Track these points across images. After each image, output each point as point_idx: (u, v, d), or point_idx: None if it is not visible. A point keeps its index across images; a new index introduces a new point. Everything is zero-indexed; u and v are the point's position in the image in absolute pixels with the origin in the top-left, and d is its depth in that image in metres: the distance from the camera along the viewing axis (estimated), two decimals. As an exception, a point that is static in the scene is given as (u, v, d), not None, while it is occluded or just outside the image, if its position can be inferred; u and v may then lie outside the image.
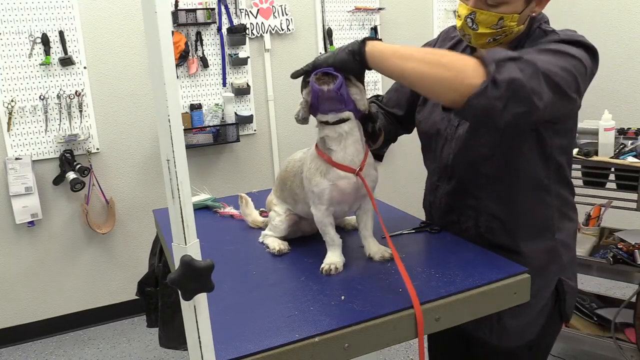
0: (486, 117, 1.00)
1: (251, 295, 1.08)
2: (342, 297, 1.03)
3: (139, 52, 3.01)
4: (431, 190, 1.42)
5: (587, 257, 2.28)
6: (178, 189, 0.68)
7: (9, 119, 2.76)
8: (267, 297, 1.07)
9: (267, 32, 3.25)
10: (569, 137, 1.27)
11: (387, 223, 1.37)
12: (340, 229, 1.39)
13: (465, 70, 0.98)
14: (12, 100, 2.75)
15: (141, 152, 3.11)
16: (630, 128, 2.27)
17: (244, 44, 3.19)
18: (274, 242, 1.32)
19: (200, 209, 1.74)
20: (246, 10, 3.18)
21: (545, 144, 1.21)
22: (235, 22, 3.15)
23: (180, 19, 2.98)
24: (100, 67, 2.93)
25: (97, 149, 2.98)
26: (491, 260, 1.16)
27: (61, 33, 2.79)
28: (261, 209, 1.58)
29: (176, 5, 2.99)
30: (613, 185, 2.22)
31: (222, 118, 3.15)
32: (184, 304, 0.72)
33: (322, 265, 1.16)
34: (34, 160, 2.82)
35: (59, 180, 2.88)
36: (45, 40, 2.75)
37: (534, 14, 1.19)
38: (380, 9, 3.50)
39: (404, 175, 3.64)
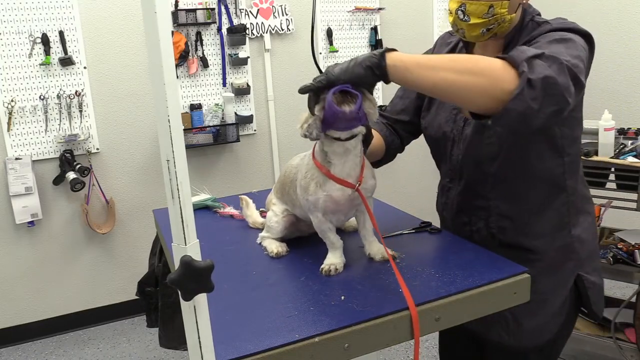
0: (522, 121, 0.94)
1: (251, 295, 1.08)
2: (342, 297, 1.03)
3: (139, 52, 3.01)
4: (443, 192, 1.42)
5: (587, 257, 2.28)
6: (178, 189, 0.68)
7: (9, 119, 2.76)
8: (267, 297, 1.07)
9: (267, 32, 3.25)
10: (578, 127, 1.24)
11: (387, 223, 1.38)
12: (341, 231, 1.39)
13: (497, 74, 0.94)
14: (12, 100, 2.75)
15: (141, 152, 3.11)
16: (630, 128, 2.27)
17: (244, 44, 3.19)
18: (271, 244, 1.31)
19: (200, 209, 1.74)
20: (246, 10, 3.18)
21: (554, 136, 1.19)
22: (235, 22, 3.15)
23: (180, 19, 2.98)
24: (100, 67, 2.93)
25: (97, 149, 2.98)
26: (491, 260, 1.16)
27: (61, 33, 2.79)
28: (261, 209, 1.58)
29: (176, 5, 2.99)
30: (613, 185, 2.22)
31: (222, 118, 3.15)
32: (184, 304, 0.72)
33: (322, 266, 1.16)
34: (34, 160, 2.82)
35: (59, 180, 2.88)
36: (45, 40, 2.75)
37: (524, 1, 1.19)
38: (380, 9, 3.50)
39: (404, 176, 3.64)
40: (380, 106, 1.49)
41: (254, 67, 3.28)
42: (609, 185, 2.24)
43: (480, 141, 1.23)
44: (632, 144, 2.17)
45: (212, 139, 3.13)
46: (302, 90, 1.03)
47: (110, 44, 2.95)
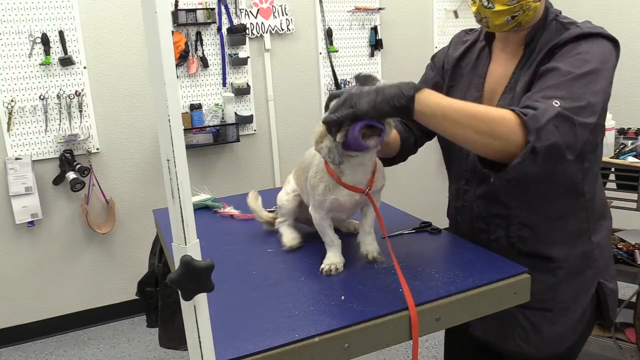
0: (522, 176, 1.01)
1: (251, 295, 1.08)
2: (342, 297, 1.03)
3: (139, 52, 3.01)
4: (458, 196, 1.37)
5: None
6: (178, 189, 0.68)
7: (9, 119, 2.76)
8: (267, 297, 1.07)
9: (267, 32, 3.25)
10: (600, 133, 1.22)
11: (387, 223, 1.37)
12: (340, 232, 1.39)
13: (511, 139, 0.98)
14: (12, 100, 2.75)
15: (141, 152, 3.11)
16: (630, 128, 2.27)
17: (244, 44, 3.19)
18: (287, 235, 1.33)
19: (200, 209, 1.74)
20: (246, 10, 3.18)
21: None
22: (235, 22, 3.16)
23: (180, 19, 2.98)
24: (100, 67, 2.93)
25: (97, 149, 2.98)
26: (491, 260, 1.16)
27: (61, 33, 2.79)
28: (269, 209, 1.60)
29: (176, 5, 2.99)
30: (613, 185, 2.22)
31: (222, 118, 3.15)
32: (184, 304, 0.72)
33: (322, 266, 1.16)
34: (34, 160, 2.82)
35: (59, 180, 2.88)
36: (45, 40, 2.75)
37: None
38: (380, 9, 3.50)
39: (404, 176, 3.64)
40: None
41: (254, 67, 3.28)
42: (609, 185, 2.25)
43: None
44: (632, 144, 2.17)
45: (212, 139, 3.13)
46: (328, 123, 1.02)
47: (110, 44, 2.95)
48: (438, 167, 3.50)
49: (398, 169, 1.54)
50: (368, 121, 1.00)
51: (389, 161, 1.42)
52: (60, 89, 2.84)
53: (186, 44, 3.02)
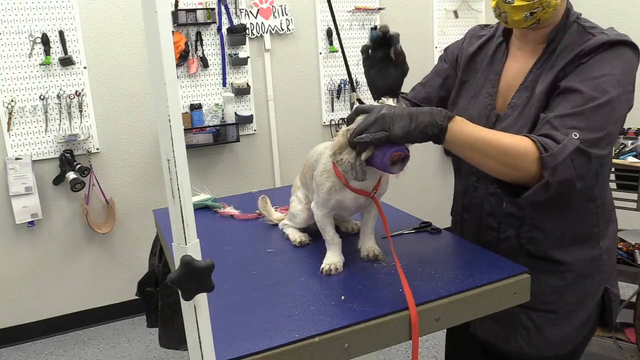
0: (533, 202, 1.09)
1: (251, 295, 1.08)
2: (342, 297, 1.03)
3: (139, 52, 3.01)
4: (467, 193, 1.35)
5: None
6: (178, 189, 0.68)
7: (9, 119, 2.76)
8: (267, 297, 1.07)
9: (267, 32, 3.25)
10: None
11: (389, 223, 1.37)
12: (341, 232, 1.39)
13: (530, 172, 1.02)
14: (12, 100, 2.75)
15: (141, 152, 3.11)
16: (630, 128, 2.27)
17: (244, 44, 3.19)
18: (294, 234, 1.35)
19: (200, 209, 1.74)
20: (246, 10, 3.18)
21: None
22: (235, 22, 3.16)
23: (180, 19, 2.98)
24: (100, 67, 2.93)
25: (97, 149, 2.98)
26: (491, 260, 1.16)
27: (61, 33, 2.79)
28: (275, 206, 1.61)
29: (176, 5, 2.99)
30: (613, 185, 2.22)
31: (222, 118, 3.15)
32: (184, 304, 0.72)
33: (322, 266, 1.16)
34: (34, 160, 2.82)
35: (59, 180, 2.88)
36: (45, 40, 2.75)
37: None
38: (380, 9, 3.50)
39: (404, 176, 3.62)
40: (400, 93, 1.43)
41: (254, 67, 3.28)
42: (609, 185, 2.24)
43: None
44: (632, 144, 2.17)
45: (212, 139, 3.13)
46: (360, 144, 1.00)
47: (110, 44, 2.95)
48: (438, 167, 3.50)
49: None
50: (397, 147, 1.00)
51: None
52: (60, 89, 2.84)
53: (186, 44, 3.02)
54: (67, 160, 2.86)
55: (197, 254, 0.71)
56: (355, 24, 3.49)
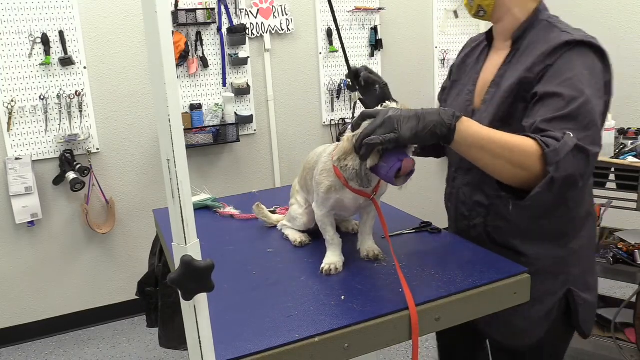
0: (538, 205, 1.07)
1: (251, 295, 1.08)
2: (342, 297, 1.03)
3: (139, 52, 3.01)
4: (449, 182, 1.43)
5: (587, 257, 2.28)
6: (178, 189, 0.68)
7: (9, 119, 2.76)
8: (267, 297, 1.07)
9: (267, 32, 3.25)
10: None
11: (387, 223, 1.37)
12: (341, 232, 1.39)
13: (535, 171, 1.02)
14: (12, 100, 2.75)
15: (141, 152, 3.11)
16: (630, 128, 2.27)
17: (244, 44, 3.19)
18: (294, 234, 1.36)
19: (200, 209, 1.74)
20: (246, 10, 3.18)
21: None
22: (235, 22, 3.15)
23: (180, 19, 2.98)
24: (100, 67, 2.93)
25: (97, 149, 2.98)
26: (491, 260, 1.16)
27: (61, 33, 2.79)
28: (274, 207, 1.61)
29: (176, 5, 2.99)
30: (613, 185, 2.22)
31: (222, 118, 3.15)
32: (184, 304, 0.72)
33: (322, 266, 1.17)
34: (34, 160, 2.82)
35: (59, 180, 2.88)
36: (45, 40, 2.75)
37: None
38: (380, 9, 3.50)
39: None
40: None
41: (254, 67, 3.28)
42: (609, 185, 2.24)
43: None
44: (632, 144, 2.17)
45: (212, 139, 3.13)
46: (368, 147, 0.98)
47: (110, 44, 2.95)
48: (438, 167, 3.49)
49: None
50: (402, 156, 0.99)
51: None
52: (60, 89, 2.84)
53: (186, 44, 3.02)
54: (67, 160, 2.86)
55: (197, 254, 0.71)
56: (355, 24, 3.49)
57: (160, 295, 1.68)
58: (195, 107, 3.10)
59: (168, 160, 0.68)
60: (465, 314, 1.04)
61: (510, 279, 1.07)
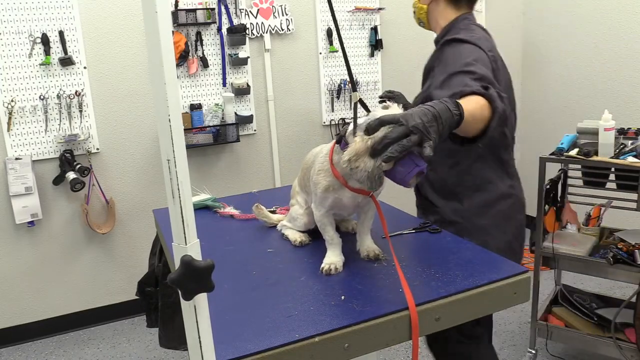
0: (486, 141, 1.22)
1: (251, 295, 1.08)
2: (342, 297, 1.03)
3: (139, 52, 3.01)
4: None
5: (587, 257, 2.28)
6: (178, 189, 0.68)
7: (9, 119, 2.76)
8: (267, 297, 1.07)
9: (267, 32, 3.25)
10: None
11: (387, 223, 1.37)
12: (340, 232, 1.39)
13: (487, 116, 1.16)
14: (12, 100, 2.75)
15: (141, 152, 3.11)
16: (630, 128, 2.27)
17: (244, 44, 3.19)
18: (294, 234, 1.36)
19: (200, 209, 1.74)
20: (246, 10, 3.18)
21: None
22: (235, 22, 3.16)
23: (180, 19, 2.98)
24: (100, 67, 2.93)
25: (97, 149, 2.98)
26: (491, 260, 1.16)
27: (61, 33, 2.79)
28: (274, 207, 1.61)
29: (176, 5, 2.99)
30: (613, 185, 2.22)
31: (222, 118, 3.15)
32: (184, 304, 0.72)
33: (322, 265, 1.17)
34: (34, 160, 2.82)
35: (59, 180, 2.88)
36: (45, 40, 2.75)
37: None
38: (380, 9, 3.50)
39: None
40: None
41: (254, 67, 3.28)
42: (609, 185, 2.24)
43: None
44: (632, 144, 2.17)
45: (212, 139, 3.13)
46: (401, 151, 0.95)
47: (110, 44, 2.95)
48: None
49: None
50: (420, 162, 0.97)
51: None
52: (60, 89, 2.84)
53: (186, 44, 3.02)
54: (67, 160, 2.86)
55: (197, 254, 0.71)
56: (355, 24, 3.49)
57: (160, 295, 1.68)
58: (195, 107, 3.10)
59: (168, 160, 0.68)
60: (465, 314, 1.04)
61: (510, 279, 1.07)
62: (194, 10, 3.01)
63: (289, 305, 1.02)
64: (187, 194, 0.70)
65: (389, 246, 1.12)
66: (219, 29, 3.12)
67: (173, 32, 2.98)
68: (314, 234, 1.36)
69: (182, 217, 0.69)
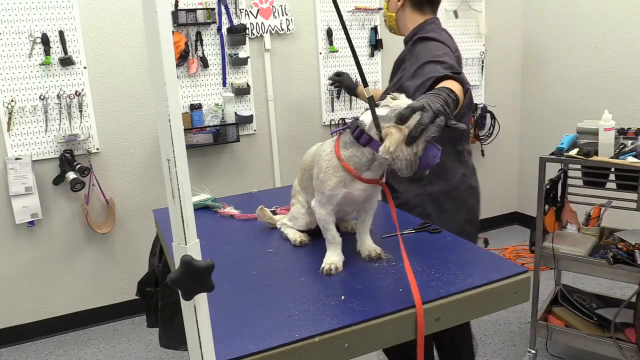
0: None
1: (251, 295, 1.08)
2: (342, 297, 1.03)
3: (139, 52, 3.01)
4: None
5: (587, 257, 2.28)
6: (178, 189, 0.68)
7: (9, 119, 2.76)
8: (267, 297, 1.07)
9: (267, 32, 3.25)
10: None
11: (387, 223, 1.37)
12: (341, 232, 1.39)
13: (461, 96, 1.22)
14: (12, 100, 2.75)
15: (141, 152, 3.11)
16: (630, 128, 2.27)
17: (244, 44, 3.19)
18: (294, 234, 1.36)
19: (200, 209, 1.74)
20: (246, 10, 3.18)
21: None
22: (235, 22, 3.16)
23: (180, 19, 2.98)
24: (100, 67, 2.93)
25: (97, 149, 2.98)
26: (491, 260, 1.16)
27: (61, 33, 2.79)
28: (274, 207, 1.60)
29: (176, 5, 2.99)
30: (613, 185, 2.22)
31: (222, 118, 3.15)
32: (184, 304, 0.72)
33: (323, 265, 1.17)
34: (34, 160, 2.82)
35: (59, 180, 2.88)
36: (45, 40, 2.75)
37: (399, 6, 1.86)
38: (380, 9, 3.50)
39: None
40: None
41: (254, 67, 3.28)
42: (609, 185, 2.24)
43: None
44: (632, 144, 2.17)
45: (212, 139, 3.13)
46: (435, 134, 1.03)
47: (110, 44, 2.95)
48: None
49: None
50: (440, 148, 1.07)
51: None
52: (60, 89, 2.84)
53: (186, 44, 3.02)
54: (67, 160, 2.86)
55: (197, 254, 0.71)
56: (355, 24, 3.49)
57: (160, 295, 1.68)
58: (195, 107, 3.10)
59: (168, 160, 0.68)
60: (465, 314, 1.04)
61: (510, 279, 1.07)
62: (194, 10, 3.01)
63: (289, 305, 1.02)
64: (187, 194, 0.70)
65: (399, 241, 1.12)
66: (219, 29, 3.12)
67: (173, 32, 2.98)
68: (313, 234, 1.36)
69: (182, 217, 0.69)
